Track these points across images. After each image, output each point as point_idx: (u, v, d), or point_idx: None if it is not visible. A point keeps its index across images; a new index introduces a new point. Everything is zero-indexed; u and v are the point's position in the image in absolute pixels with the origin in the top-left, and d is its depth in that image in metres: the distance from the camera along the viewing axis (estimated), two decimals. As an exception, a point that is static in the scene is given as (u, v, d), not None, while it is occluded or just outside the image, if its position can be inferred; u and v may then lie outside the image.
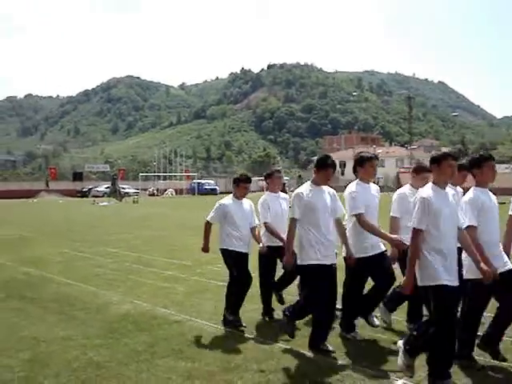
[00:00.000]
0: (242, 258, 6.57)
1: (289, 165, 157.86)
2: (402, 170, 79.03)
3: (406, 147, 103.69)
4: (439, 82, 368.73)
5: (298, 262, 5.56)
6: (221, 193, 69.43)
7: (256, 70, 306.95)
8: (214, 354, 5.42)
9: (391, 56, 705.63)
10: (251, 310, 7.13)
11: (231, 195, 6.80)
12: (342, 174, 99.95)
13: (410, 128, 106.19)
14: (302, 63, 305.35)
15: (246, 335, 6.10)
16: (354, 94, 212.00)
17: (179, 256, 12.34)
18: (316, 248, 5.43)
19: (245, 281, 6.52)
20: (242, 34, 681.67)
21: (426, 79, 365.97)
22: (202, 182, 73.33)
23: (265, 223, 6.77)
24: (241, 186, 6.67)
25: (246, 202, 6.77)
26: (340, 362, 5.15)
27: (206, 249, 6.84)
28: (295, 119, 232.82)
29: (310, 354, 5.41)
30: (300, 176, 54.02)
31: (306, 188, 5.60)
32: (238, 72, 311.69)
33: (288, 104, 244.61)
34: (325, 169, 5.59)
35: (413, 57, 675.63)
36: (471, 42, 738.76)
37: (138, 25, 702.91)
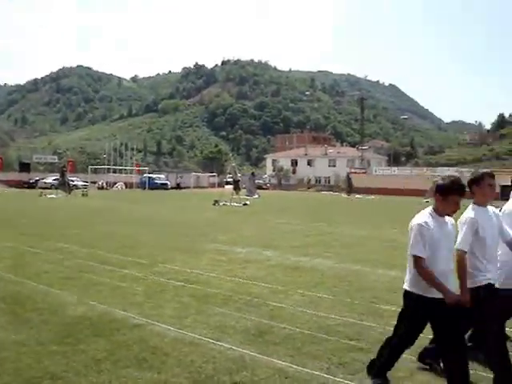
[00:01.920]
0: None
1: (241, 162, 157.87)
2: (353, 170, 79.97)
3: (357, 148, 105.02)
4: (390, 84, 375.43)
5: None
6: (171, 188, 68.61)
7: (210, 65, 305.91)
8: (180, 363, 5.00)
9: (344, 57, 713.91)
10: (216, 313, 6.80)
11: (428, 210, 4.38)
12: (294, 172, 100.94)
13: (361, 129, 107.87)
14: (256, 60, 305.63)
15: (212, 342, 5.68)
16: (307, 93, 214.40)
17: (134, 253, 11.80)
18: None
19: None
20: (196, 29, 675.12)
21: (378, 81, 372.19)
22: (153, 176, 72.34)
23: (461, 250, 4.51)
24: (453, 197, 4.25)
25: (449, 221, 4.42)
26: (318, 373, 4.83)
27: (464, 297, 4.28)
28: (248, 116, 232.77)
29: (283, 364, 5.07)
30: (253, 173, 53.78)
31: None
32: (192, 67, 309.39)
33: (241, 101, 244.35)
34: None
35: (365, 59, 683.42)
36: (422, 45, 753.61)
37: (88, 14, 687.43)
